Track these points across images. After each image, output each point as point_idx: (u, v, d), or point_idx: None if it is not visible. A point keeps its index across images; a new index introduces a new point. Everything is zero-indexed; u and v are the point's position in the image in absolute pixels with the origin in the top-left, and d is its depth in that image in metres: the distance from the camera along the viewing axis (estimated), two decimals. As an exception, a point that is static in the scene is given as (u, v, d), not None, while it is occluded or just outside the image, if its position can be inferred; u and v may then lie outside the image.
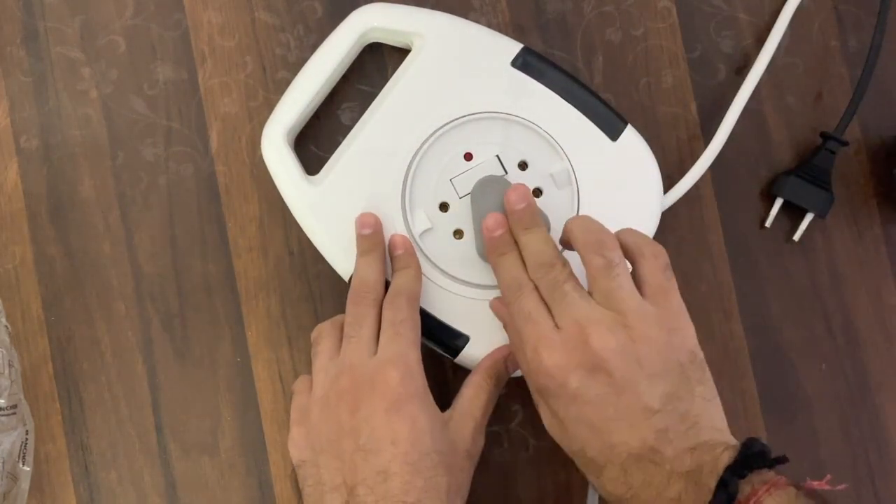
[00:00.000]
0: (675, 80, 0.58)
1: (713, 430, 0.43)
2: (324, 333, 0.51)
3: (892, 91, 0.58)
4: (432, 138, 0.52)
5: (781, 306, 0.57)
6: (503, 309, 0.49)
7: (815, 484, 0.41)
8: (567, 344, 0.44)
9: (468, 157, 0.53)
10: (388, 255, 0.52)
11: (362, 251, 0.51)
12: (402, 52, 0.56)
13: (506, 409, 0.56)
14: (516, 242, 0.49)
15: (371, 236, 0.51)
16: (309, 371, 0.51)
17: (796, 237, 0.57)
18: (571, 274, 0.46)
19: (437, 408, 0.48)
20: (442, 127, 0.52)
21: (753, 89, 0.55)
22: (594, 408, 0.43)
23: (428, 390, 0.48)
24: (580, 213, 0.52)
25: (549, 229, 0.50)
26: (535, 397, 0.47)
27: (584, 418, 0.44)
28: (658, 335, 0.43)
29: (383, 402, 0.46)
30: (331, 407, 0.47)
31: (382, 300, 0.50)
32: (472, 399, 0.49)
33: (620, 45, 0.58)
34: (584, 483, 0.53)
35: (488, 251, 0.50)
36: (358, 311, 0.49)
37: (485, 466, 0.55)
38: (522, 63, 0.53)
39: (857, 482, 0.56)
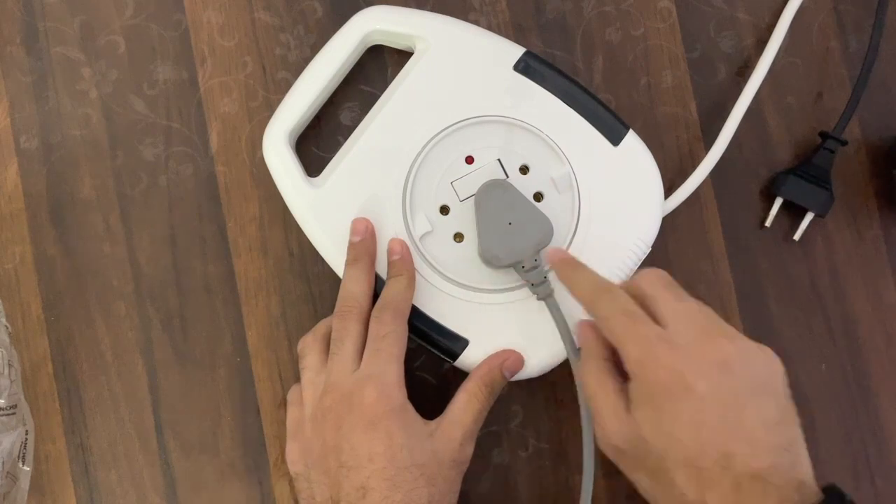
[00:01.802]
0: (675, 80, 0.57)
1: (809, 473, 0.41)
2: (308, 348, 0.51)
3: (891, 91, 0.58)
4: (434, 141, 0.52)
5: (781, 306, 0.57)
6: (591, 333, 0.46)
7: None
8: (692, 345, 0.42)
9: (469, 160, 0.53)
10: (387, 258, 0.52)
11: (350, 260, 0.51)
12: (403, 53, 0.56)
13: (506, 409, 0.56)
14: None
15: (359, 244, 0.51)
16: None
17: (796, 237, 0.57)
18: None
19: (418, 420, 0.48)
20: (443, 130, 0.52)
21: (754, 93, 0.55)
22: (719, 413, 0.40)
23: (407, 404, 0.48)
24: (578, 225, 0.52)
25: (552, 234, 0.50)
26: (632, 406, 0.43)
27: (706, 423, 0.40)
28: (758, 356, 0.43)
29: (361, 419, 0.46)
30: (318, 424, 0.48)
31: (369, 313, 0.50)
32: (465, 406, 0.49)
33: (620, 45, 0.57)
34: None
35: (559, 272, 0.49)
36: (342, 326, 0.50)
37: (485, 466, 0.55)
38: (525, 67, 0.53)
39: (857, 482, 0.56)
